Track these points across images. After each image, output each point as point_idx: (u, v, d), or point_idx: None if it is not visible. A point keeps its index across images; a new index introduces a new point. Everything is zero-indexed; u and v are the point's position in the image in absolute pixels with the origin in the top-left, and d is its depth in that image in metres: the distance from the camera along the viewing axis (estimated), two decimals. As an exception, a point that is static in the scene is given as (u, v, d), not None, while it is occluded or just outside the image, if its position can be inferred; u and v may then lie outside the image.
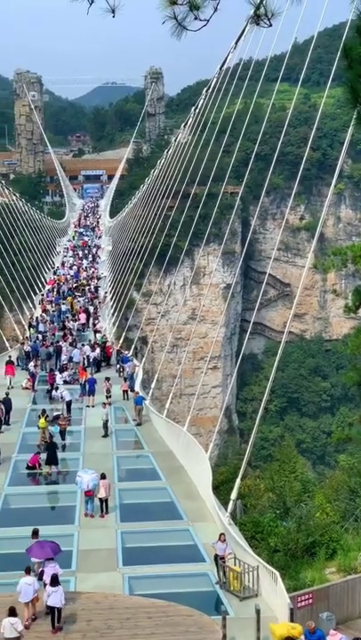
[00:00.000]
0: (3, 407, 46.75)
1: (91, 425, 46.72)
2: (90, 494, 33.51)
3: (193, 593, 27.01)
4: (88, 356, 60.59)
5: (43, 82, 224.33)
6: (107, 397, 51.24)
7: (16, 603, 22.99)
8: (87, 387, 51.80)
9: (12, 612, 22.39)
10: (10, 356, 61.87)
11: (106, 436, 44.28)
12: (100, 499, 33.51)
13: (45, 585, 24.01)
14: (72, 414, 48.60)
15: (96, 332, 72.05)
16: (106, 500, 33.60)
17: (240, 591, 26.07)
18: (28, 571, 24.40)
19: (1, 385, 55.60)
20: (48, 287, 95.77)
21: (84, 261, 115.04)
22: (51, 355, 61.78)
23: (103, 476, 33.87)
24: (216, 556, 27.23)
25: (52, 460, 38.79)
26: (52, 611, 23.41)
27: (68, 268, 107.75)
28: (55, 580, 23.67)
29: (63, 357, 60.71)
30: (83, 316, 77.17)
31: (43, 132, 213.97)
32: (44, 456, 40.05)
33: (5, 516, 33.69)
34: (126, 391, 53.36)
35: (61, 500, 37.21)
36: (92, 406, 50.28)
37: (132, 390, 52.68)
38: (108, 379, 54.02)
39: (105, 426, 44.76)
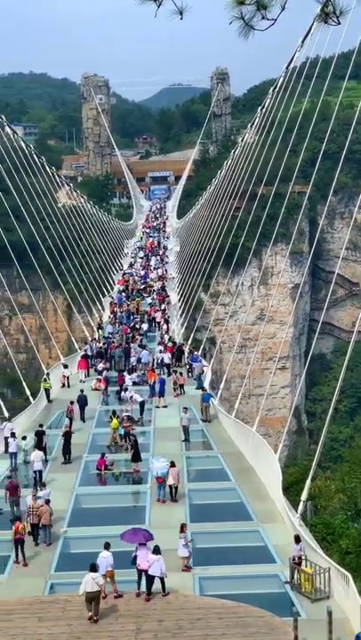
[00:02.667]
0: (76, 406, 47.69)
1: (160, 426, 46.89)
2: (160, 481, 34.90)
3: (264, 594, 26.91)
4: (156, 358, 60.73)
5: (109, 85, 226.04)
6: (174, 390, 52.90)
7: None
8: (157, 387, 51.97)
9: (93, 568, 24.34)
10: (85, 350, 63.75)
11: (187, 440, 43.98)
12: (170, 485, 34.83)
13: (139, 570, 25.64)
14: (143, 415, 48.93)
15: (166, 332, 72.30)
16: (176, 487, 34.93)
17: (312, 593, 25.91)
18: (107, 546, 26.13)
19: (72, 385, 56.48)
20: (117, 287, 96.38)
21: (153, 261, 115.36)
22: (120, 356, 62.18)
23: (173, 464, 35.07)
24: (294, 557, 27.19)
25: (137, 458, 39.22)
26: (150, 579, 25.20)
27: (137, 269, 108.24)
28: (157, 550, 25.51)
29: (132, 359, 60.96)
30: (158, 315, 77.70)
31: (110, 134, 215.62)
32: (112, 457, 40.56)
33: (76, 516, 33.98)
34: (182, 385, 54.14)
35: (132, 500, 37.45)
36: (164, 406, 50.46)
37: (203, 389, 52.83)
38: (175, 371, 55.63)
39: (185, 430, 44.24)
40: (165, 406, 50.56)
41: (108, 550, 25.99)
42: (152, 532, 30.07)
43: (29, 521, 30.65)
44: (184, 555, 27.99)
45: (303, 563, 26.76)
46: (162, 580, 25.31)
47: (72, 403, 47.84)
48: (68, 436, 41.42)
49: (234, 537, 31.36)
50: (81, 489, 37.34)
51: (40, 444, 40.33)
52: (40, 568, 28.75)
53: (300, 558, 26.87)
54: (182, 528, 28.58)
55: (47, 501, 31.58)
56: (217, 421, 47.74)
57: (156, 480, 35.16)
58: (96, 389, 54.70)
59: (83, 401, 48.67)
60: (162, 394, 51.40)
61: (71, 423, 45.42)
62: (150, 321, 76.73)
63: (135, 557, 26.01)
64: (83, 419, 47.92)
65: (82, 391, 50.27)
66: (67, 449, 41.01)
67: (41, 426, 43.06)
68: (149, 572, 25.13)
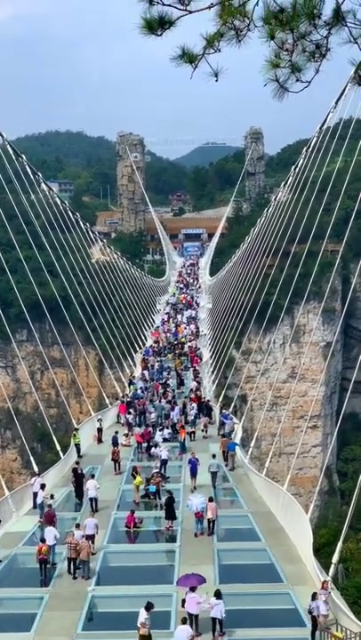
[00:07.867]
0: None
1: (189, 483, 46.38)
2: (199, 516, 36.91)
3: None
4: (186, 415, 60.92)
5: (144, 143, 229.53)
6: (203, 431, 56.91)
7: None
8: (190, 467, 46.47)
9: (184, 622, 25.60)
10: (126, 397, 67.34)
11: (214, 487, 44.03)
12: (208, 520, 37.00)
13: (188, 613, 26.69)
14: (167, 472, 47.58)
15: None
16: (213, 522, 37.07)
17: (342, 658, 25.32)
18: (193, 589, 27.16)
19: (105, 441, 56.51)
20: (151, 339, 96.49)
21: (184, 318, 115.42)
22: (149, 412, 62.19)
23: (211, 500, 37.49)
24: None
25: (171, 515, 38.82)
26: (213, 621, 26.54)
27: (169, 325, 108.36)
28: (219, 595, 26.70)
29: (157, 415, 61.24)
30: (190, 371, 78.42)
31: (144, 191, 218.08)
32: (141, 514, 40.30)
33: (104, 574, 33.57)
34: (192, 433, 56.93)
35: (161, 559, 36.92)
36: (195, 488, 44.78)
37: (226, 436, 53.57)
38: (206, 415, 59.98)
39: (214, 477, 44.71)
40: (195, 488, 45.00)
41: (194, 592, 26.96)
42: (181, 592, 29.68)
43: (67, 555, 32.51)
44: (324, 613, 26.35)
45: (333, 627, 26.23)
46: (221, 622, 26.40)
47: (114, 444, 50.42)
48: (79, 477, 43.14)
49: (264, 599, 30.79)
50: (109, 546, 36.91)
51: (78, 480, 42.72)
52: (66, 627, 28.31)
53: (310, 612, 26.50)
54: (323, 584, 27.88)
55: (85, 536, 33.27)
56: (247, 479, 47.33)
57: (195, 515, 37.03)
58: (126, 445, 54.57)
59: (115, 440, 51.40)
60: (194, 475, 45.82)
61: (117, 465, 48.88)
62: (180, 377, 76.70)
63: (183, 601, 26.85)
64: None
65: (116, 432, 53.58)
66: (79, 489, 42.63)
67: (77, 463, 45.94)
68: (211, 615, 26.31)
